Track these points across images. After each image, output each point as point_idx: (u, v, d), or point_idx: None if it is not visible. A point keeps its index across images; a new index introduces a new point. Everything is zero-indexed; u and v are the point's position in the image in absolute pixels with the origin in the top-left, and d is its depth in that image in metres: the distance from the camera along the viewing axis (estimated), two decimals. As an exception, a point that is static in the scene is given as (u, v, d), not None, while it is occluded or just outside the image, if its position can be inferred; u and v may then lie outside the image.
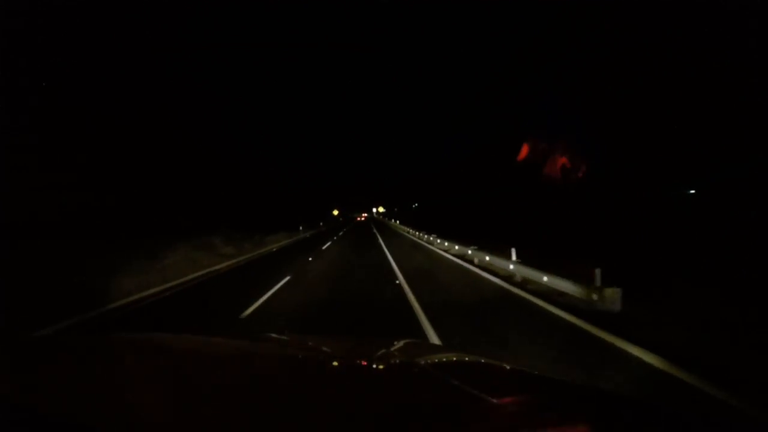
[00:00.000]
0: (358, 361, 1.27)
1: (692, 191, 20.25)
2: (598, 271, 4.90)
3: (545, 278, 6.06)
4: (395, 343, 1.43)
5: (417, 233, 20.63)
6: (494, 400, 0.82)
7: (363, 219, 79.80)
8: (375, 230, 31.65)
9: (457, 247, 12.02)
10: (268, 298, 6.47)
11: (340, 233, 28.18)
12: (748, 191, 15.79)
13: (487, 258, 8.72)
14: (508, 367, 1.28)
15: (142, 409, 0.74)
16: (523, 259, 7.37)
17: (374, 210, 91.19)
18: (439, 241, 14.98)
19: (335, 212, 53.08)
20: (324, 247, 16.62)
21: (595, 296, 4.76)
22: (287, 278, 8.37)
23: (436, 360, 1.32)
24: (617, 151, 21.86)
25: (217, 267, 10.87)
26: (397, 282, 7.71)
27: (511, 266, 7.29)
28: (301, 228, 27.42)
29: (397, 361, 1.28)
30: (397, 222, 34.37)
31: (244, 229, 19.68)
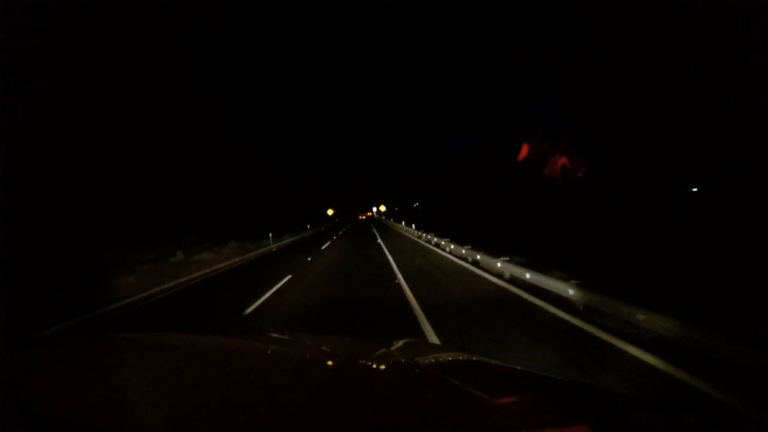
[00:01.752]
0: (358, 361, 1.25)
1: (695, 189, 20.12)
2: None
3: (631, 312, 4.12)
4: (395, 343, 1.41)
5: (424, 235, 17.09)
6: (494, 400, 0.82)
7: (364, 218, 79.78)
8: (379, 240, 19.19)
9: (479, 257, 9.24)
10: None
11: (326, 244, 17.55)
12: (752, 188, 15.66)
13: (528, 275, 6.54)
14: (508, 367, 1.27)
15: (142, 408, 0.73)
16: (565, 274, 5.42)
17: (374, 209, 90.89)
18: (452, 246, 11.19)
19: (330, 212, 49.87)
20: (253, 308, 5.96)
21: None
22: None
23: (436, 360, 1.30)
24: (617, 151, 21.81)
25: None
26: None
27: (571, 291, 5.31)
28: (270, 235, 18.83)
29: (397, 360, 1.26)
30: (413, 226, 24.57)
31: (187, 237, 14.42)
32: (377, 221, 57.92)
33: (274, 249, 16.61)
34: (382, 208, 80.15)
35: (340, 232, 28.69)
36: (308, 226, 32.53)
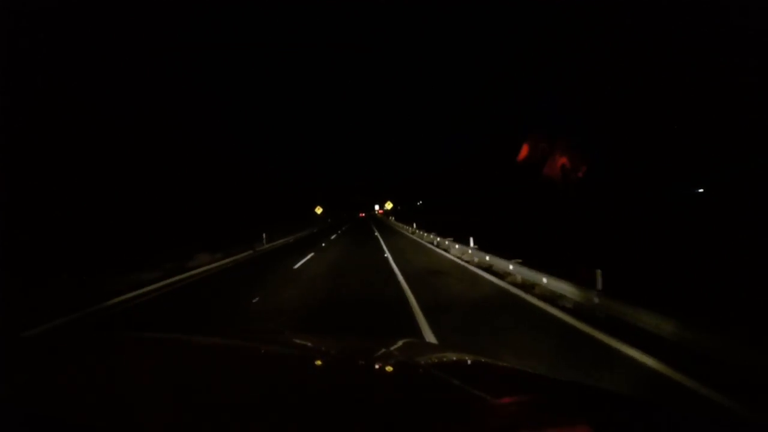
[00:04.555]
0: (357, 361, 1.24)
1: (700, 190, 19.87)
2: None
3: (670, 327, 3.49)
4: (395, 342, 1.40)
5: (426, 235, 16.00)
6: (494, 400, 0.82)
7: (364, 215, 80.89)
8: (392, 261, 11.01)
9: (488, 258, 8.69)
10: None
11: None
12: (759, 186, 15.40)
13: (545, 280, 5.80)
14: (508, 367, 1.25)
15: (141, 408, 0.73)
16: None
17: (376, 207, 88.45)
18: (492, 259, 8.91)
19: (318, 210, 44.37)
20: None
21: None
22: None
23: (436, 360, 1.30)
24: (618, 151, 21.73)
25: None
26: None
27: (596, 299, 4.68)
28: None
29: (397, 360, 1.25)
30: (414, 225, 20.89)
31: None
32: (379, 222, 50.51)
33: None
34: (388, 206, 70.48)
35: (312, 254, 13.72)
36: (264, 235, 18.73)
